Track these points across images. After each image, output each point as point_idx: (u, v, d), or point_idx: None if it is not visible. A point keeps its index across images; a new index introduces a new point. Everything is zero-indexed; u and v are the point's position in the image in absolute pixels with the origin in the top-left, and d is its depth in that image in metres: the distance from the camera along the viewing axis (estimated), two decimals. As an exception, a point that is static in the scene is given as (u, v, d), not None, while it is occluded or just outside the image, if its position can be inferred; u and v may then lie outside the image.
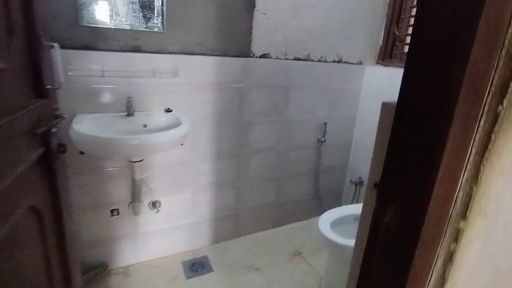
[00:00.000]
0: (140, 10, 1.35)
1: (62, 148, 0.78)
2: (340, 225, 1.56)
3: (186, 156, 1.66)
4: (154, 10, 1.37)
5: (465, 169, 0.41)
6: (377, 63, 2.04)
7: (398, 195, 0.46)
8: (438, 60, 0.40)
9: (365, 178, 2.15)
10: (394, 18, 1.92)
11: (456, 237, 0.44)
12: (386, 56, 2.00)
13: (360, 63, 2.03)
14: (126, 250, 1.66)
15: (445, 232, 0.43)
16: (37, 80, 0.69)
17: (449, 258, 0.45)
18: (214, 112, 1.66)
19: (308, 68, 1.85)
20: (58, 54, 0.75)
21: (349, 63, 2.00)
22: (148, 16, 1.37)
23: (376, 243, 0.48)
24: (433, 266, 0.45)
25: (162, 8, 1.37)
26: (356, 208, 1.67)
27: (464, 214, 0.43)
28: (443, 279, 0.47)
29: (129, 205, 1.57)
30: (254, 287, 1.60)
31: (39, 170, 0.70)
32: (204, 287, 1.58)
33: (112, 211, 1.55)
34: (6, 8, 0.57)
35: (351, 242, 1.36)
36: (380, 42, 2.00)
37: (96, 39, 1.31)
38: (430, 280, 0.46)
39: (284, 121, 1.90)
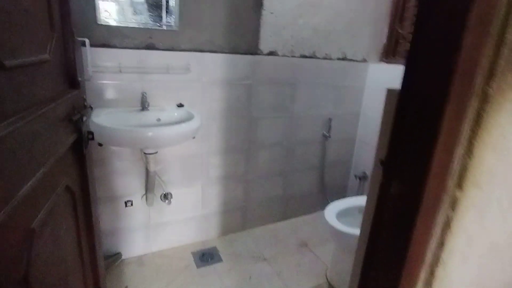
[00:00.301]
0: (154, 9, 1.42)
1: (90, 135, 0.85)
2: (345, 217, 1.62)
3: (196, 150, 1.73)
4: (167, 9, 1.43)
5: (460, 144, 0.47)
6: (381, 60, 2.10)
7: (401, 170, 0.52)
8: (436, 48, 0.46)
9: (369, 173, 2.20)
10: (398, 16, 1.97)
11: (453, 205, 0.50)
12: (389, 53, 2.05)
13: (364, 60, 2.09)
14: (139, 240, 1.73)
15: (443, 200, 0.49)
16: (71, 72, 0.76)
17: (447, 224, 0.51)
18: (223, 107, 1.72)
19: (314, 65, 1.91)
20: (88, 49, 0.81)
21: (354, 60, 2.05)
22: (162, 15, 1.44)
23: (382, 213, 0.54)
24: (432, 232, 0.51)
25: (175, 8, 1.44)
26: (361, 200, 1.73)
27: (460, 185, 0.49)
28: (442, 244, 0.53)
29: (142, 196, 1.64)
30: (262, 276, 1.66)
31: (72, 154, 0.77)
32: (214, 276, 1.64)
33: (126, 202, 1.62)
34: (49, 6, 0.64)
35: (356, 231, 1.42)
36: (384, 40, 2.06)
37: (113, 37, 1.38)
38: (430, 245, 0.52)
39: (290, 117, 1.96)
